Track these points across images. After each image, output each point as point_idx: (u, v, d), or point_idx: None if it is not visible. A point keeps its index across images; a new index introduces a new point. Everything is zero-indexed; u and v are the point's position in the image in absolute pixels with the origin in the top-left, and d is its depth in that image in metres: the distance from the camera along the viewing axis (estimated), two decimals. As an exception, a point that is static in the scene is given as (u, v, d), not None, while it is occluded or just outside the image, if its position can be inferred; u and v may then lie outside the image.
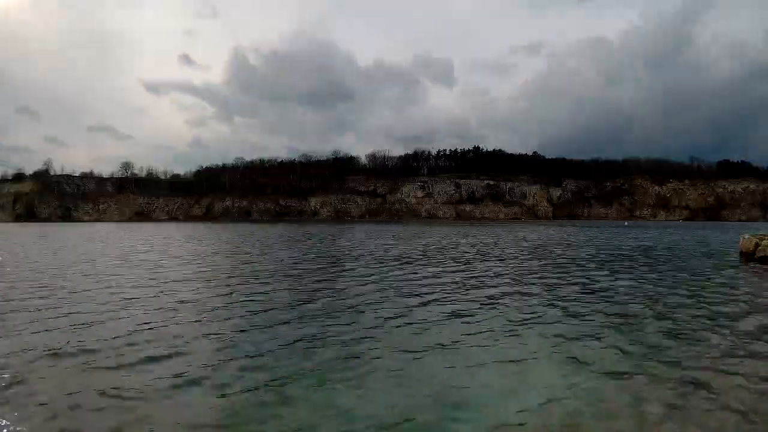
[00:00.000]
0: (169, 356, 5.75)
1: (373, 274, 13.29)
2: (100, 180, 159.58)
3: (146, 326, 7.17)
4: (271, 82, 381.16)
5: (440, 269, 14.63)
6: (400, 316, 7.96)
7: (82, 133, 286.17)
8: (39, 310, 8.40)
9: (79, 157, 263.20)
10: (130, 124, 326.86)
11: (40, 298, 9.62)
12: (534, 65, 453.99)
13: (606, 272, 13.88)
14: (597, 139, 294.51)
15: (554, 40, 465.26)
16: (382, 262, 16.42)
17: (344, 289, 10.90)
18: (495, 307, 8.71)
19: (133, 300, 9.34)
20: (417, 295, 10.04)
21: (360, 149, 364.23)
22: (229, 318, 7.85)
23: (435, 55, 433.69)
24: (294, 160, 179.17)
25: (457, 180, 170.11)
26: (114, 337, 6.55)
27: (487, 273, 13.68)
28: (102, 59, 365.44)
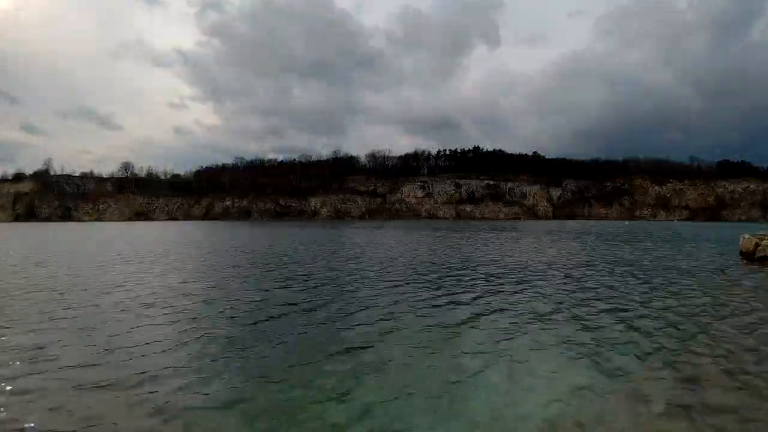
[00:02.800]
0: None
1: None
2: (100, 180, 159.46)
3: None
4: (262, 44, 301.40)
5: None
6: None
7: (52, 117, 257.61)
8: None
9: (53, 144, 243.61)
10: (110, 106, 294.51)
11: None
12: (581, 33, 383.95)
13: (607, 272, 13.88)
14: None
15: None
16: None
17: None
18: (497, 307, 8.72)
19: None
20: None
21: (374, 135, 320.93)
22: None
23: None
24: (294, 160, 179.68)
25: (457, 180, 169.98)
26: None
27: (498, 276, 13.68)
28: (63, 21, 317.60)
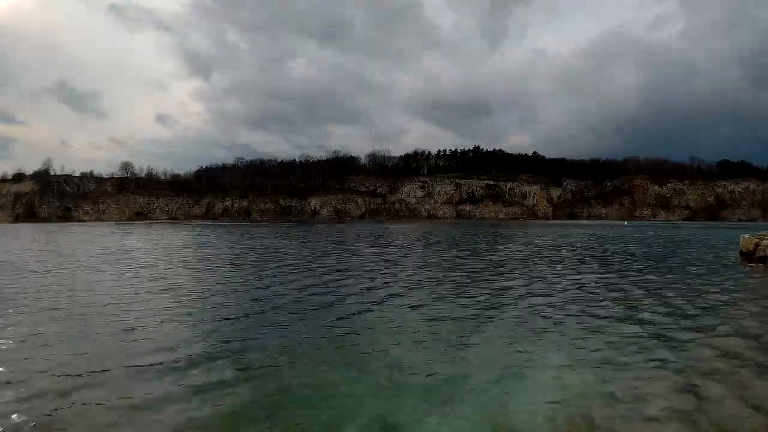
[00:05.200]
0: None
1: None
2: (100, 180, 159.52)
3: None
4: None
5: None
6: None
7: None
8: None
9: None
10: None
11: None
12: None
13: (607, 271, 13.89)
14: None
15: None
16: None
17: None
18: (498, 307, 8.73)
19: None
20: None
21: (390, 122, 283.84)
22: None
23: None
24: (294, 159, 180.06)
25: (457, 180, 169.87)
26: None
27: (493, 271, 13.68)
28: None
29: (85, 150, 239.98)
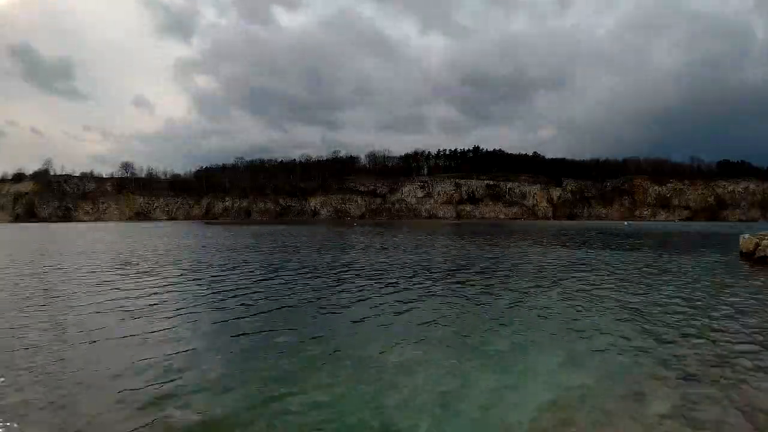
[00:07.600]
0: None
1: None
2: (100, 180, 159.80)
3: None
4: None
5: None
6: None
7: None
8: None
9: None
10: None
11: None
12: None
13: (606, 270, 13.86)
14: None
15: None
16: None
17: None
18: (491, 304, 8.70)
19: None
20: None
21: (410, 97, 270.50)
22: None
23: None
24: (294, 159, 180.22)
25: (457, 180, 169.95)
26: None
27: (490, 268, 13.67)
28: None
29: (62, 137, 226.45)
